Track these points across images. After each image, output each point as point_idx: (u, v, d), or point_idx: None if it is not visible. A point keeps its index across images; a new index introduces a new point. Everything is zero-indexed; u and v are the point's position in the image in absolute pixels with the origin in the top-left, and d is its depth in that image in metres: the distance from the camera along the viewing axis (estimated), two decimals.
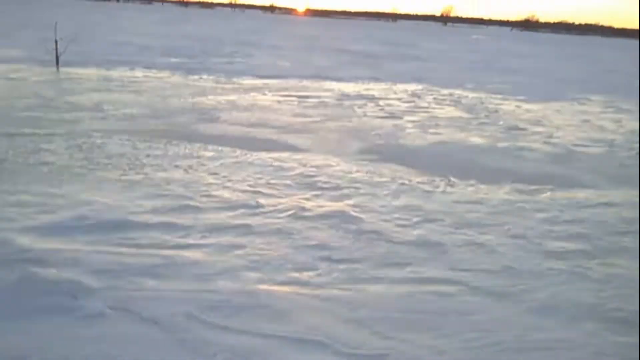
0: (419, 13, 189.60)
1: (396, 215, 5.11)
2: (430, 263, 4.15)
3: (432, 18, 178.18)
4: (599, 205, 5.93)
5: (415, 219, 5.04)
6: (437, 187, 6.17)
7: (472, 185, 6.33)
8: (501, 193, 6.10)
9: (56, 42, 14.35)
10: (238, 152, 7.10)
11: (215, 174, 6.09)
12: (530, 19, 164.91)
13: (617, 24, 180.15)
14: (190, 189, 5.48)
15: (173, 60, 18.17)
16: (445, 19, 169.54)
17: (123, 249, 4.04)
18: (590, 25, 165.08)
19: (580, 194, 6.27)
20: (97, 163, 6.18)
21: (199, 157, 6.74)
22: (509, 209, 5.52)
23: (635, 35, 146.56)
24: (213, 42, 28.53)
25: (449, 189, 6.14)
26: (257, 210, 4.99)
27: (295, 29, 63.45)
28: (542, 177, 6.91)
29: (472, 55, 33.74)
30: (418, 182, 6.28)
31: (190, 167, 6.28)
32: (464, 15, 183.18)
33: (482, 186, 6.30)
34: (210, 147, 7.26)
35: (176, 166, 6.27)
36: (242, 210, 4.97)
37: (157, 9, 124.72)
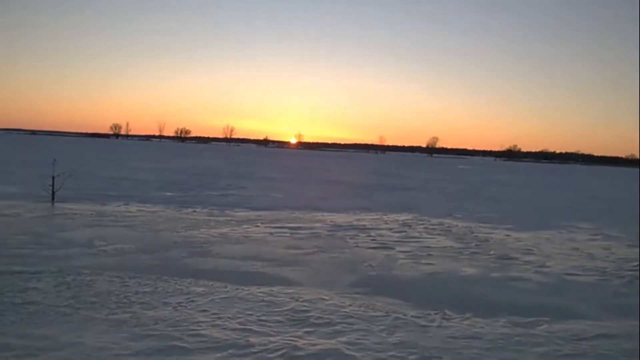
0: (406, 144, 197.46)
1: (391, 353, 4.95)
2: None
3: (418, 149, 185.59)
4: (598, 337, 5.80)
5: (411, 357, 4.88)
6: (433, 321, 6.04)
7: (467, 318, 6.21)
8: (498, 326, 5.97)
9: (53, 178, 14.70)
10: (229, 287, 7.01)
11: (205, 310, 5.96)
12: (512, 148, 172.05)
13: (597, 152, 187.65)
14: (179, 328, 5.33)
15: (168, 194, 18.53)
16: (431, 150, 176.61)
17: None
18: (571, 153, 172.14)
19: (578, 326, 6.15)
20: (85, 302, 6.05)
21: (188, 293, 6.63)
22: (507, 344, 5.37)
23: (616, 163, 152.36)
24: (208, 175, 29.32)
25: (444, 323, 6.01)
26: (247, 350, 4.83)
27: (287, 161, 65.60)
28: (538, 309, 6.81)
29: (459, 184, 34.69)
30: (413, 316, 6.16)
31: (179, 304, 6.16)
32: (449, 146, 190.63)
33: (478, 319, 6.18)
34: (201, 282, 7.18)
35: (165, 303, 6.15)
36: (231, 351, 4.80)
37: (155, 144, 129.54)
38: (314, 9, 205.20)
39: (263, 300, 6.45)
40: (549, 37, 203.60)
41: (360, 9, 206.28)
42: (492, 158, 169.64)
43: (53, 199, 14.58)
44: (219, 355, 4.69)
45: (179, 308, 6.00)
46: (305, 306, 6.31)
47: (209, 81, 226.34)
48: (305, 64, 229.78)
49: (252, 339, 5.09)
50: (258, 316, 5.84)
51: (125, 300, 6.16)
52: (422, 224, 14.12)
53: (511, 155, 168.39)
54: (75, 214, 12.81)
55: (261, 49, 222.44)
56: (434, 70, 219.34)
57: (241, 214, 14.44)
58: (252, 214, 14.52)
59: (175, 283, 7.03)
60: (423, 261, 9.44)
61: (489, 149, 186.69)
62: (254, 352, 4.79)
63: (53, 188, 14.70)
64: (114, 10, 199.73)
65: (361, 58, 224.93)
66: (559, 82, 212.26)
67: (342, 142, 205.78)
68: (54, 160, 14.95)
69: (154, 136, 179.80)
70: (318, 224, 13.21)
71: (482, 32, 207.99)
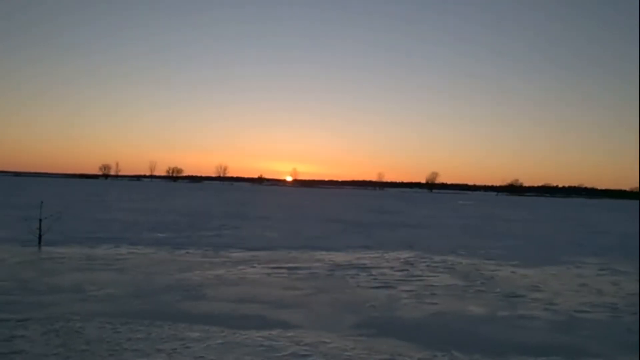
0: (405, 180, 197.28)
1: None
2: None
3: (417, 185, 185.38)
4: None
5: None
6: None
7: None
8: None
9: (40, 220, 14.33)
10: (226, 331, 6.68)
11: (201, 357, 5.65)
12: (514, 183, 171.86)
13: (600, 185, 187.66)
14: None
15: (160, 235, 18.15)
16: (430, 186, 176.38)
17: None
18: (574, 187, 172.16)
19: None
20: (75, 350, 5.73)
21: (183, 339, 6.30)
22: None
23: (620, 196, 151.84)
24: (201, 215, 29.00)
25: None
26: None
27: (283, 199, 65.41)
28: (548, 348, 6.54)
29: (461, 220, 34.41)
30: (419, 359, 5.85)
31: (174, 350, 5.84)
32: (449, 182, 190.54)
33: None
34: (196, 327, 6.85)
35: (159, 350, 5.82)
36: None
37: (145, 184, 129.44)
38: (311, 46, 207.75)
39: (262, 345, 6.14)
40: (550, 70, 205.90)
41: (356, 46, 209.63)
42: (494, 193, 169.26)
43: (40, 242, 14.15)
44: None
45: (173, 355, 5.68)
46: (306, 350, 6.00)
47: (201, 119, 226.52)
48: (301, 101, 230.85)
49: None
50: None
51: (117, 348, 5.84)
52: (425, 262, 13.80)
53: (513, 189, 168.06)
54: (64, 258, 12.41)
55: (255, 86, 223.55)
56: (433, 105, 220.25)
57: (236, 254, 14.08)
58: (248, 254, 14.18)
59: (169, 328, 6.71)
60: (427, 300, 9.12)
61: (490, 184, 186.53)
62: None
63: (40, 231, 14.29)
64: (102, 48, 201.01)
65: (358, 93, 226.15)
66: (560, 116, 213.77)
67: (339, 179, 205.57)
68: (41, 202, 14.62)
69: (144, 176, 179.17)
70: (317, 264, 12.88)
71: (482, 66, 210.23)
